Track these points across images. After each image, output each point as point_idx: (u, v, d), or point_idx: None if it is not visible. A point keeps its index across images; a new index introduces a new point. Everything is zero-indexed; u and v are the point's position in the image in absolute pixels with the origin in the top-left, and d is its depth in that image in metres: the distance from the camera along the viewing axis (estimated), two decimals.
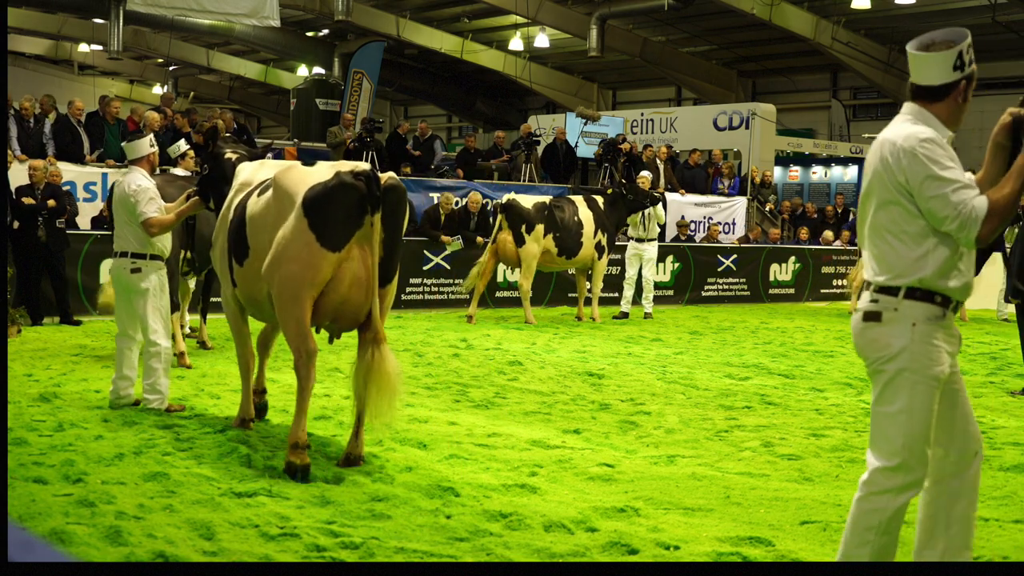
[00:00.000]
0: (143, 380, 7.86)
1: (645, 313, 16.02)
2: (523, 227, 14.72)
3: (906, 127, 3.90)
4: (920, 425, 3.85)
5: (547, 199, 15.29)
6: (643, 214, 15.81)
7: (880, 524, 3.90)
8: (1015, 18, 21.90)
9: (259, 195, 6.69)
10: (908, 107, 4.00)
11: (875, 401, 3.94)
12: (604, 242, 15.31)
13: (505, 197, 15.33)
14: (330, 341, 6.81)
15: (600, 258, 15.32)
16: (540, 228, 14.78)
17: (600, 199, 15.57)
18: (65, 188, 13.96)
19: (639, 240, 16.05)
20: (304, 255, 6.14)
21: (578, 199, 15.56)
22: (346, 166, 6.35)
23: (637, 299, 16.27)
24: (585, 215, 15.20)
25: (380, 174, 6.25)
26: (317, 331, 6.59)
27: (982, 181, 3.91)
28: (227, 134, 12.71)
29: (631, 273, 16.10)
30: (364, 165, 6.33)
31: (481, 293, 15.04)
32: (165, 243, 8.09)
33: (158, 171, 9.54)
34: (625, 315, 15.93)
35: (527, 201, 15.01)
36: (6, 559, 1.68)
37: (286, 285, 6.22)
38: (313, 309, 6.27)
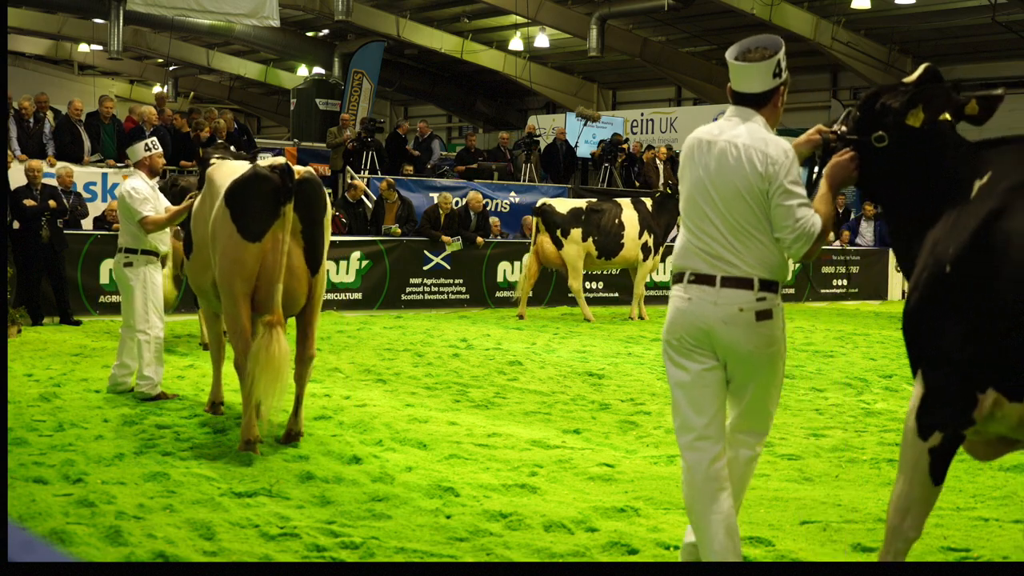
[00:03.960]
0: (138, 369, 8.34)
1: None
2: (558, 231, 15.05)
3: (766, 134, 4.11)
4: None
5: (584, 203, 15.49)
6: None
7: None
8: (1015, 18, 21.86)
9: (202, 193, 7.24)
10: (737, 111, 4.20)
11: (765, 390, 4.21)
12: (651, 243, 15.44)
13: (540, 202, 15.71)
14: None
15: (646, 259, 15.46)
16: (576, 232, 15.08)
17: (648, 200, 15.70)
18: (75, 191, 14.04)
19: None
20: (229, 248, 6.51)
21: (624, 201, 15.76)
22: (266, 162, 6.73)
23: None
24: (629, 217, 15.37)
25: (296, 168, 6.60)
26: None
27: None
28: (219, 141, 13.04)
29: None
30: (281, 160, 6.68)
31: (528, 294, 15.39)
32: (162, 239, 8.62)
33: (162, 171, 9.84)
34: None
35: (563, 205, 15.37)
36: (6, 559, 1.68)
37: (222, 281, 6.63)
38: (255, 301, 6.61)
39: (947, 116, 3.99)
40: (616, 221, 15.28)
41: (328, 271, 15.02)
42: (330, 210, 6.99)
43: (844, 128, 4.18)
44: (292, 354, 6.62)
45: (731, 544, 4.15)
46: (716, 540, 4.14)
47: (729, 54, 4.16)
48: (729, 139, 4.10)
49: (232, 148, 9.19)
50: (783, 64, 4.16)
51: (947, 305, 3.74)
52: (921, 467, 3.83)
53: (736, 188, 4.04)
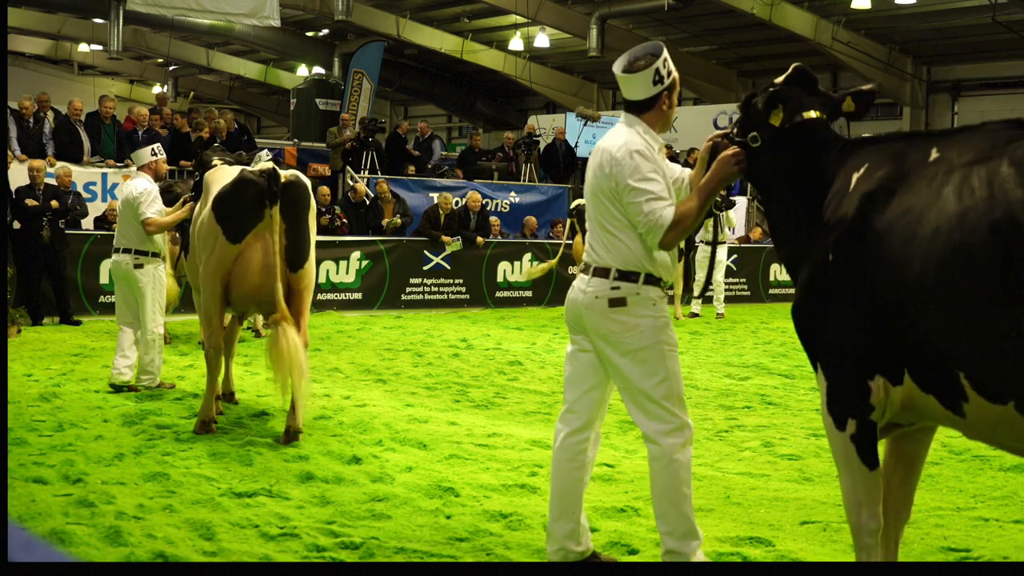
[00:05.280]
0: (140, 363, 8.56)
1: (717, 314, 16.25)
2: None
3: (621, 137, 4.41)
4: (679, 386, 4.42)
5: None
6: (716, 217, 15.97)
7: (689, 475, 4.40)
8: (1015, 18, 21.83)
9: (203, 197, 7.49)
10: (625, 117, 4.53)
11: (637, 378, 4.35)
12: (681, 245, 15.45)
13: (576, 202, 15.77)
14: (264, 326, 7.50)
15: (680, 260, 15.49)
16: None
17: None
18: (75, 190, 14.04)
19: (708, 243, 16.22)
20: (213, 246, 6.85)
21: None
22: (258, 165, 7.05)
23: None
24: None
25: (283, 171, 6.92)
26: (242, 318, 7.68)
27: (692, 181, 4.58)
28: (216, 144, 13.13)
29: (700, 276, 16.27)
30: (269, 165, 7.00)
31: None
32: (161, 242, 8.94)
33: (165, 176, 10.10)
34: (696, 315, 16.15)
35: None
36: (6, 559, 1.68)
37: (205, 277, 6.99)
38: (231, 296, 6.98)
39: (816, 114, 4.18)
40: None
41: (328, 271, 15.08)
42: (314, 208, 7.27)
43: (735, 130, 4.43)
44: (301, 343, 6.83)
45: (555, 526, 4.48)
46: (551, 513, 4.53)
47: (615, 66, 4.45)
48: (601, 145, 4.47)
49: (228, 150, 9.57)
50: (664, 70, 4.40)
51: (830, 294, 3.87)
52: (852, 458, 3.87)
53: (593, 190, 4.45)
